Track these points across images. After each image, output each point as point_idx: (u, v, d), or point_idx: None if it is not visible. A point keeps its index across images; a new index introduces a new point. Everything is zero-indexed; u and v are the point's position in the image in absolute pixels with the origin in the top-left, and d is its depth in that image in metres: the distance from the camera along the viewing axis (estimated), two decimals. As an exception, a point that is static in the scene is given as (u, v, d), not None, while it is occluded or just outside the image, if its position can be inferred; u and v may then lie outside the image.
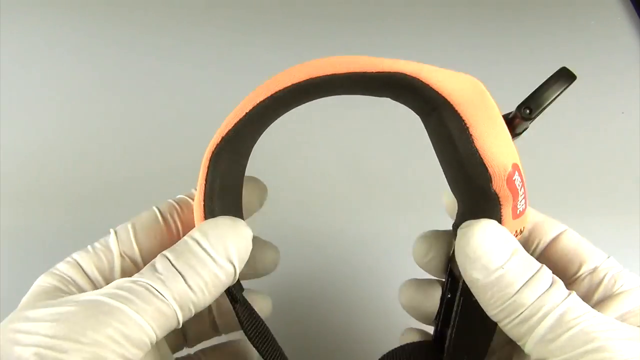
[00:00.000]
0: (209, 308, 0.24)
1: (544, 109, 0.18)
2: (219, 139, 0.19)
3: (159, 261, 0.18)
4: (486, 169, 0.18)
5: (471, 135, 0.17)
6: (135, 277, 0.18)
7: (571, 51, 0.51)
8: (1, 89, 0.43)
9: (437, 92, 0.18)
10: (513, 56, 0.50)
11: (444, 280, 0.23)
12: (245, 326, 0.22)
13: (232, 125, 0.19)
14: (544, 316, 0.17)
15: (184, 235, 0.19)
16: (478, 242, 0.18)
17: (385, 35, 0.50)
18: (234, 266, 0.19)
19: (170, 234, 0.21)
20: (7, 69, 0.44)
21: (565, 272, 0.21)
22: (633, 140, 0.45)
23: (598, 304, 0.19)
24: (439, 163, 0.20)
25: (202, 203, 0.20)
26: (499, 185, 0.18)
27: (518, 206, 0.19)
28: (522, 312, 0.17)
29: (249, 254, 0.20)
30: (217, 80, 0.45)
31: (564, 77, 0.18)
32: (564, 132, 0.44)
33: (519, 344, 0.18)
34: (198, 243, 0.19)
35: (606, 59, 0.51)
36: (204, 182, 0.20)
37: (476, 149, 0.17)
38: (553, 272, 0.20)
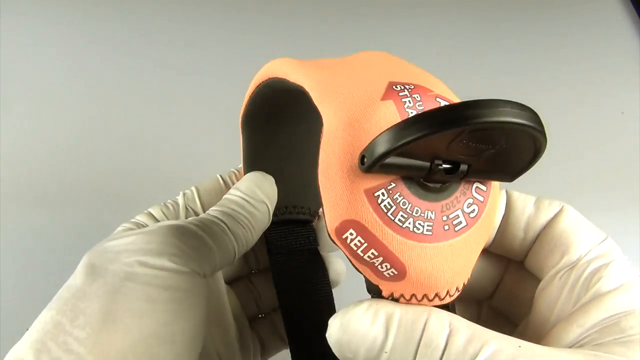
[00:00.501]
0: None
1: (382, 162, 0.13)
2: (240, 118, 0.23)
3: (210, 211, 0.22)
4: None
5: (319, 177, 0.15)
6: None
7: (571, 51, 0.52)
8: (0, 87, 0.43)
9: (321, 117, 0.15)
10: (513, 56, 0.51)
11: None
12: (274, 277, 0.25)
13: (243, 108, 0.22)
14: None
15: None
16: (347, 339, 0.15)
17: (385, 30, 0.51)
18: (267, 205, 0.23)
19: None
20: (5, 68, 0.44)
21: (543, 267, 0.18)
22: (633, 140, 0.45)
23: (571, 314, 0.16)
24: None
25: (243, 165, 0.25)
26: (333, 237, 0.15)
27: (380, 269, 0.15)
28: None
29: (276, 194, 0.24)
30: (218, 79, 0.45)
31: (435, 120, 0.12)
32: (563, 132, 0.44)
33: None
34: (234, 194, 0.23)
35: (606, 59, 0.51)
36: (242, 149, 0.24)
37: (320, 192, 0.15)
38: (533, 268, 0.19)
